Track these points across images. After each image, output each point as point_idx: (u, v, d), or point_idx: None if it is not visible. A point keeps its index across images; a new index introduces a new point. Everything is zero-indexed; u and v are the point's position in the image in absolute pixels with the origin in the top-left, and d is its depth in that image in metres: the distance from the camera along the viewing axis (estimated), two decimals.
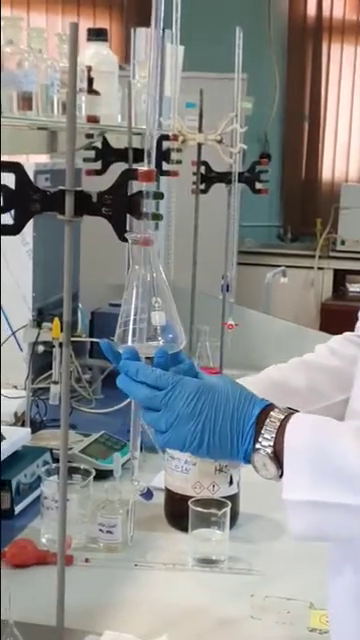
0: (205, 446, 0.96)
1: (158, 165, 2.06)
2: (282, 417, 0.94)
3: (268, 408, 0.96)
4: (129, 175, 1.09)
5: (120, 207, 1.08)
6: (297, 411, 0.97)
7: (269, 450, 0.93)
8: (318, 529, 0.93)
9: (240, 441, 0.95)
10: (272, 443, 0.93)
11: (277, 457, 0.93)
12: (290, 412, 0.95)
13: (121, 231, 1.09)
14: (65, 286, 1.11)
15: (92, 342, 2.39)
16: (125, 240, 1.08)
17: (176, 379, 0.99)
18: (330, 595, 1.05)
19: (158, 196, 1.09)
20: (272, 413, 0.95)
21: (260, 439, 0.94)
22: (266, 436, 0.94)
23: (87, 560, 1.44)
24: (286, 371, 1.26)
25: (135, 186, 1.10)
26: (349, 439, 0.90)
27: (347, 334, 1.32)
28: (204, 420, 0.96)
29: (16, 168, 1.07)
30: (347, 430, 0.93)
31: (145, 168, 1.08)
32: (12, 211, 1.10)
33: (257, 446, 0.94)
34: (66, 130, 1.05)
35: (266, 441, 0.94)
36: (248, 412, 0.96)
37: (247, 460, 0.96)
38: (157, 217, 1.11)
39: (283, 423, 0.94)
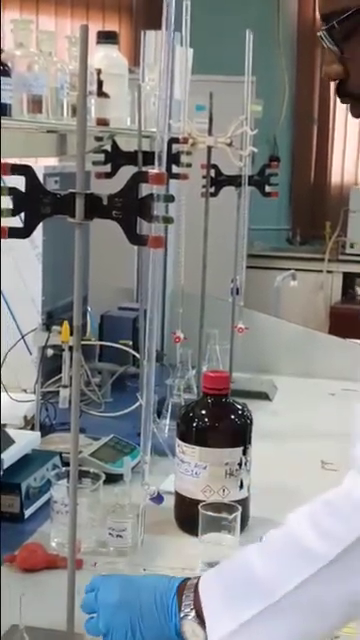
0: (139, 634, 1.02)
1: (168, 168, 2.06)
2: (196, 580, 1.00)
3: (186, 580, 1.02)
4: (140, 178, 1.09)
5: (131, 210, 1.08)
6: None
7: (192, 614, 0.98)
8: None
9: (167, 617, 1.00)
10: (192, 605, 0.98)
11: (200, 617, 0.98)
12: None
13: (132, 234, 1.09)
14: (75, 289, 1.10)
15: (101, 346, 2.39)
16: (136, 243, 1.08)
17: (98, 579, 1.09)
18: None
19: (168, 199, 1.09)
20: (188, 582, 1.01)
21: (183, 607, 0.99)
22: (186, 602, 0.99)
23: (95, 564, 1.43)
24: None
25: (145, 189, 1.10)
26: (253, 558, 0.96)
27: None
28: (131, 608, 1.02)
29: (26, 171, 1.07)
30: (251, 552, 0.98)
31: (156, 171, 1.08)
32: (22, 214, 1.10)
33: (181, 615, 0.99)
34: (76, 133, 1.05)
35: (188, 607, 0.99)
36: (168, 588, 1.02)
37: (180, 635, 1.00)
38: (168, 220, 1.11)
39: (198, 583, 0.99)
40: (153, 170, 1.08)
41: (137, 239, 1.09)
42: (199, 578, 1.01)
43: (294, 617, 0.93)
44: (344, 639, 1.23)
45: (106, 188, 1.15)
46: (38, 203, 1.09)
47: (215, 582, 0.98)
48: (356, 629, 1.08)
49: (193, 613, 0.97)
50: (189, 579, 1.02)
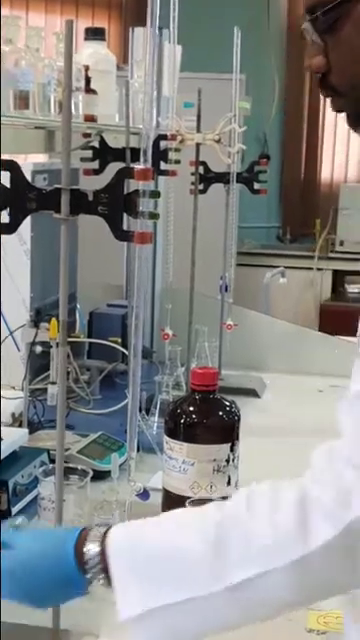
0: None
1: (156, 165, 2.06)
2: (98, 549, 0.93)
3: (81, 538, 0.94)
4: (125, 174, 1.09)
5: (116, 206, 1.07)
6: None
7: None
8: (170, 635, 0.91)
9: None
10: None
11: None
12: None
13: (117, 230, 1.09)
14: (61, 285, 1.10)
15: (90, 343, 2.38)
16: (121, 239, 1.08)
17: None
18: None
19: (154, 195, 1.09)
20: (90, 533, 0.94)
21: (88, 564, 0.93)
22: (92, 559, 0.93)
23: None
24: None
25: (133, 185, 1.10)
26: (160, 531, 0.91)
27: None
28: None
29: (11, 166, 1.07)
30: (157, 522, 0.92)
31: (141, 166, 1.08)
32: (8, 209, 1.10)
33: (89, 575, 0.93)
34: (62, 128, 1.04)
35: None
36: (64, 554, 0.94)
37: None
38: (154, 216, 1.11)
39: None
40: (139, 166, 1.08)
41: (123, 235, 1.09)
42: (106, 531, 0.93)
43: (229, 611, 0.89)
44: (331, 635, 1.23)
45: (95, 185, 1.15)
46: (24, 199, 1.09)
47: (127, 561, 0.91)
48: (344, 627, 1.08)
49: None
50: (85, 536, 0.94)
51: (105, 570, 0.92)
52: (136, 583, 0.90)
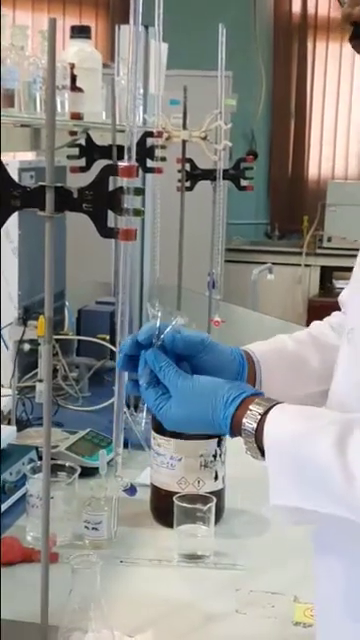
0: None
1: (142, 162, 2.06)
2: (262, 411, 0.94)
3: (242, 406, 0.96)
4: (110, 171, 1.09)
5: (100, 203, 1.07)
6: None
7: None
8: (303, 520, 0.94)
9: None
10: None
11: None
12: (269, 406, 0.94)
13: (102, 227, 1.09)
14: (46, 282, 1.10)
15: (79, 340, 2.38)
16: (106, 236, 1.08)
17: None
18: (316, 587, 1.05)
19: (138, 192, 1.09)
20: (251, 407, 0.95)
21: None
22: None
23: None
24: (301, 345, 1.19)
25: (119, 183, 1.10)
26: (328, 443, 0.88)
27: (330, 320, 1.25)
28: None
29: None
30: (327, 430, 0.90)
31: (125, 163, 1.08)
32: None
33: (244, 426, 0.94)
34: (45, 125, 1.04)
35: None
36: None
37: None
38: (138, 213, 1.11)
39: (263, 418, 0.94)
40: (123, 163, 1.08)
41: (107, 232, 1.09)
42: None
43: None
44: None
45: (82, 182, 1.14)
46: (8, 196, 1.09)
47: (286, 451, 0.91)
48: (314, 619, 1.08)
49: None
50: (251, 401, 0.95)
51: (259, 448, 0.93)
52: (292, 481, 0.91)
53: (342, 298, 1.21)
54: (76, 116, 1.89)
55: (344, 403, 0.99)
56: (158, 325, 1.03)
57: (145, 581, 1.40)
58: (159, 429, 1.57)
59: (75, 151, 1.98)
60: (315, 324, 1.26)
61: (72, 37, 2.13)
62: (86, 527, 1.48)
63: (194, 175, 2.33)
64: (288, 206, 5.48)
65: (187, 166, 2.28)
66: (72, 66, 1.91)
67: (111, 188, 1.10)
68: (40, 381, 1.83)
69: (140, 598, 1.34)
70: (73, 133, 1.95)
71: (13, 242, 2.19)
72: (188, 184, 2.30)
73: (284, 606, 1.31)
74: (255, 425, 0.93)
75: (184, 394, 0.98)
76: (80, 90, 1.93)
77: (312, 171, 5.47)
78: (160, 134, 2.08)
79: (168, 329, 1.03)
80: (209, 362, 1.06)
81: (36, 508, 1.46)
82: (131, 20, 1.05)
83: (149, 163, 2.07)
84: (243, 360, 1.10)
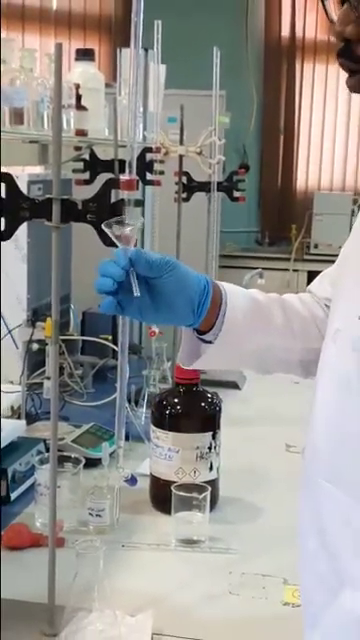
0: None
1: (142, 175, 2.06)
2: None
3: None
4: (112, 184, 1.09)
5: (103, 214, 1.07)
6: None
7: None
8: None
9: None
10: None
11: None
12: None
13: (105, 236, 1.09)
14: (53, 287, 1.10)
15: (83, 340, 2.38)
16: (108, 244, 1.08)
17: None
18: (300, 569, 1.04)
19: (138, 203, 1.09)
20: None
21: None
22: None
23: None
24: (270, 300, 1.20)
25: (120, 194, 1.10)
26: None
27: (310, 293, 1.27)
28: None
29: (5, 178, 1.07)
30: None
31: (127, 177, 1.08)
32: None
33: None
34: (52, 142, 1.04)
35: None
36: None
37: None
38: (138, 204, 1.11)
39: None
40: (124, 176, 1.08)
41: (110, 241, 1.09)
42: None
43: None
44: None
45: (86, 194, 1.15)
46: (17, 208, 1.09)
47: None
48: (300, 600, 1.08)
49: None
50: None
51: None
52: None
53: (327, 272, 1.22)
54: (81, 133, 1.90)
55: (328, 401, 0.98)
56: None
57: (145, 564, 1.40)
58: (158, 423, 1.57)
59: (80, 165, 1.98)
60: (287, 294, 1.25)
61: (77, 59, 2.13)
62: (90, 514, 1.48)
63: (190, 187, 2.33)
64: (277, 215, 5.49)
65: (184, 179, 2.28)
66: (77, 86, 1.91)
67: (113, 199, 1.11)
68: (48, 378, 1.83)
69: (140, 580, 1.34)
70: (78, 148, 1.95)
71: (23, 250, 2.19)
72: (185, 195, 2.31)
73: (274, 588, 1.31)
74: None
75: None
76: (84, 109, 1.93)
77: (300, 183, 5.48)
78: (159, 149, 2.08)
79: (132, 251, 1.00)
80: (172, 281, 1.03)
81: (44, 496, 1.46)
82: (132, 44, 1.05)
83: (148, 176, 2.07)
84: (209, 286, 1.06)
